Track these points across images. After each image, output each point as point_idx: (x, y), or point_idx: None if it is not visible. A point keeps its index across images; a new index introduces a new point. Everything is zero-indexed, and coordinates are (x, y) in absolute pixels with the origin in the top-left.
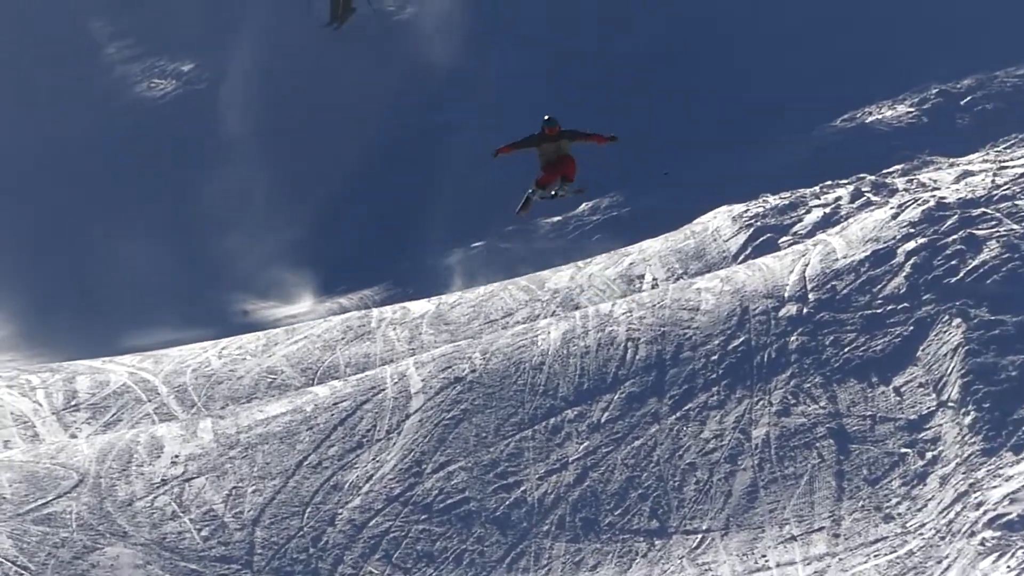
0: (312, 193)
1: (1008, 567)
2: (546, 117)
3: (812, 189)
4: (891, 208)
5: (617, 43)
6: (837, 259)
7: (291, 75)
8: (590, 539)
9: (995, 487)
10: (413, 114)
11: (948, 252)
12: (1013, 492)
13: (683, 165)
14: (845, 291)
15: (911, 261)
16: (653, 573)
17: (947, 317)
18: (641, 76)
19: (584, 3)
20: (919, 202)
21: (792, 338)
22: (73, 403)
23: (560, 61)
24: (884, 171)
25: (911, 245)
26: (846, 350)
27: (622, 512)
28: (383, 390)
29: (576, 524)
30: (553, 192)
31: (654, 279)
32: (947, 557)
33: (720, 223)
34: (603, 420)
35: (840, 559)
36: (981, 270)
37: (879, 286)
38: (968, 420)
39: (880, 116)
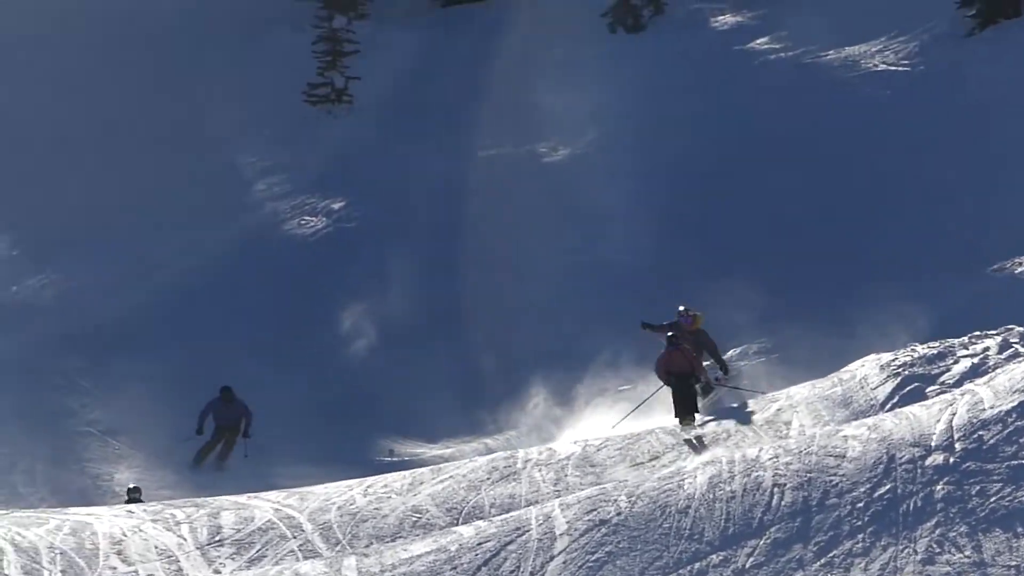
0: (465, 329)
1: None
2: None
3: (961, 339)
4: None
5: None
6: (984, 409)
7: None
8: None
9: None
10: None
11: None
12: None
13: (835, 314)
14: (992, 441)
15: None
16: None
17: None
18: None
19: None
20: None
21: (938, 487)
22: (217, 538)
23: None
24: None
25: None
26: (992, 499)
27: None
28: (528, 531)
29: None
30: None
31: (801, 425)
32: None
33: (868, 371)
34: (748, 565)
35: None
36: None
37: None
38: None
39: None
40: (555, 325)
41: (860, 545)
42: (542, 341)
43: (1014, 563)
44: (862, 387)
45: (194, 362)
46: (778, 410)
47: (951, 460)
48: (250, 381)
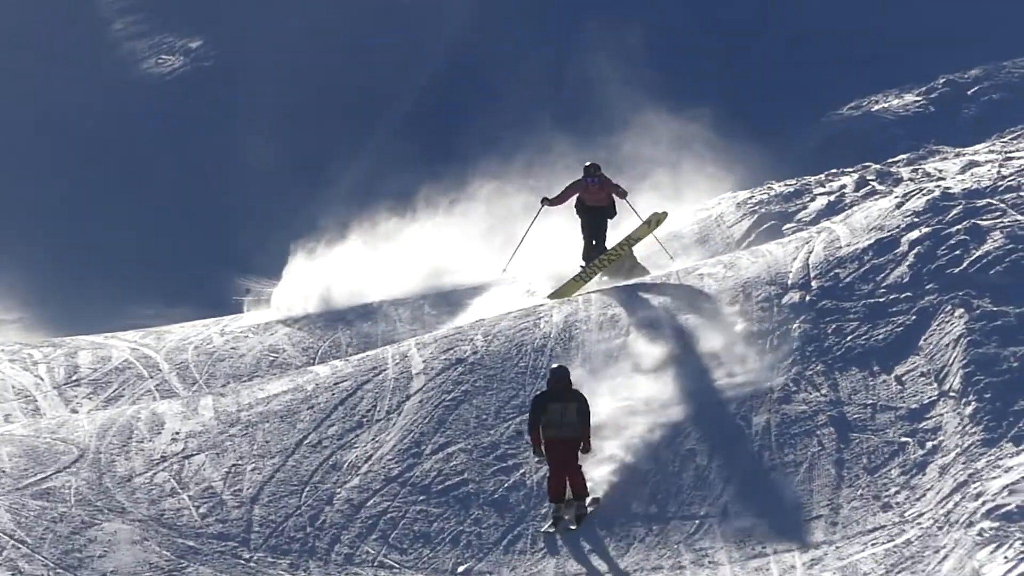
0: (321, 169)
1: (1005, 558)
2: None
3: (817, 177)
4: (896, 197)
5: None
6: (841, 247)
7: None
8: (588, 523)
9: (994, 478)
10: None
11: (952, 242)
12: (1012, 483)
13: (689, 152)
14: (848, 279)
15: (915, 250)
16: (650, 558)
17: (950, 307)
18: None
19: None
20: (924, 192)
21: (795, 325)
22: (75, 378)
23: None
24: (890, 160)
25: (915, 234)
26: (848, 338)
27: (619, 496)
28: (384, 370)
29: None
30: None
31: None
32: (944, 547)
33: (724, 209)
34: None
35: (837, 547)
36: (984, 260)
37: (882, 275)
38: (969, 410)
39: (887, 105)
40: None
41: (717, 383)
42: None
43: (870, 401)
44: (718, 225)
45: (48, 198)
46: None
47: (807, 298)
48: (99, 215)
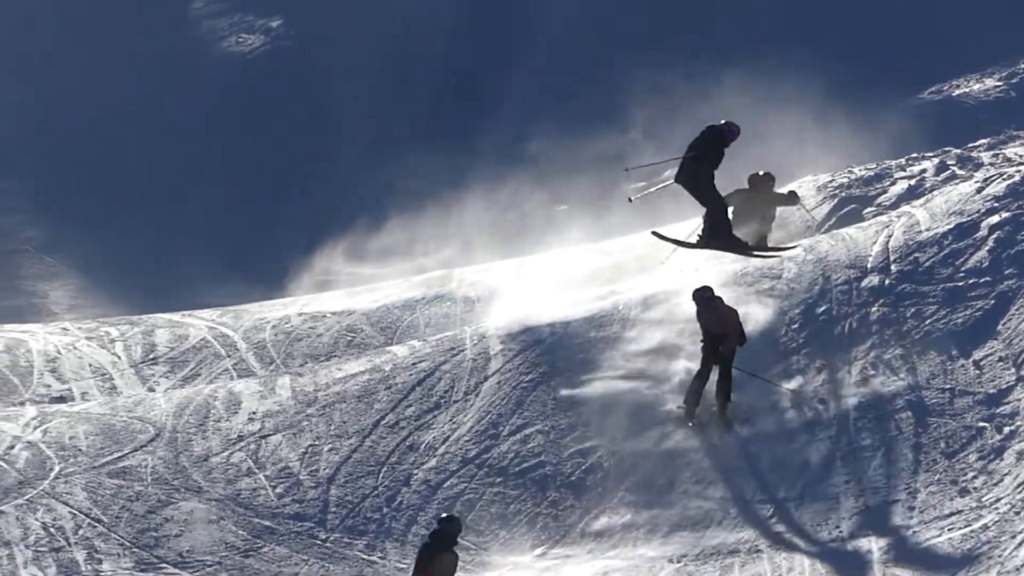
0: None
1: None
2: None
3: (898, 161)
4: (976, 182)
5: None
6: (921, 231)
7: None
8: (664, 505)
9: None
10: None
11: None
12: None
13: (771, 132)
14: (928, 263)
15: (994, 235)
16: (728, 541)
17: None
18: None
19: None
20: (1004, 176)
21: (873, 309)
22: (152, 356)
23: None
24: (970, 145)
25: (995, 219)
26: (927, 322)
27: (697, 480)
28: (462, 351)
29: (653, 489)
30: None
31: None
32: (1021, 532)
33: (805, 192)
34: (678, 381)
35: (914, 532)
36: None
37: (962, 259)
38: None
39: (968, 90)
40: None
41: (795, 366)
42: None
43: (948, 386)
44: (798, 208)
45: (128, 177)
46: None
47: (887, 282)
48: (181, 194)
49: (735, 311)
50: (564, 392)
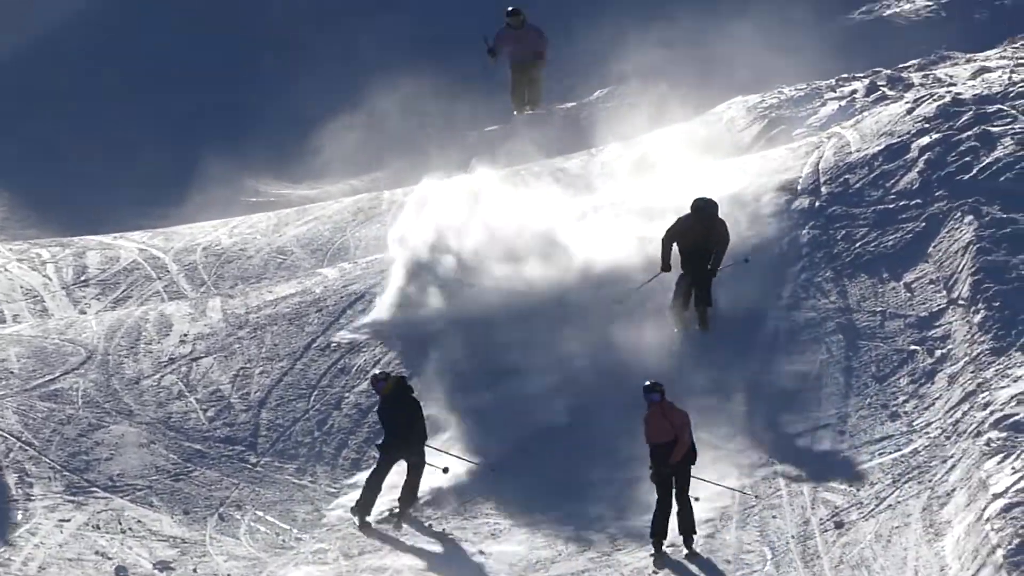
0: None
1: (1013, 468)
2: None
3: (828, 82)
4: (906, 103)
5: None
6: (851, 152)
7: None
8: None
9: (1003, 387)
10: None
11: (962, 148)
12: (1021, 393)
13: (696, 55)
14: (858, 185)
15: (925, 156)
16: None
17: (959, 214)
18: None
19: None
20: (934, 97)
21: (804, 231)
22: (83, 278)
23: None
24: (900, 65)
25: (925, 140)
26: (857, 245)
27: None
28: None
29: None
30: None
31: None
32: (952, 457)
33: (735, 113)
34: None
35: (845, 456)
36: (995, 167)
37: (892, 181)
38: (978, 319)
39: (898, 10)
40: None
41: (725, 289)
42: None
43: (879, 309)
44: (728, 129)
45: (79, 107)
46: (644, 152)
47: (817, 204)
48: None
49: (686, 413)
50: None
